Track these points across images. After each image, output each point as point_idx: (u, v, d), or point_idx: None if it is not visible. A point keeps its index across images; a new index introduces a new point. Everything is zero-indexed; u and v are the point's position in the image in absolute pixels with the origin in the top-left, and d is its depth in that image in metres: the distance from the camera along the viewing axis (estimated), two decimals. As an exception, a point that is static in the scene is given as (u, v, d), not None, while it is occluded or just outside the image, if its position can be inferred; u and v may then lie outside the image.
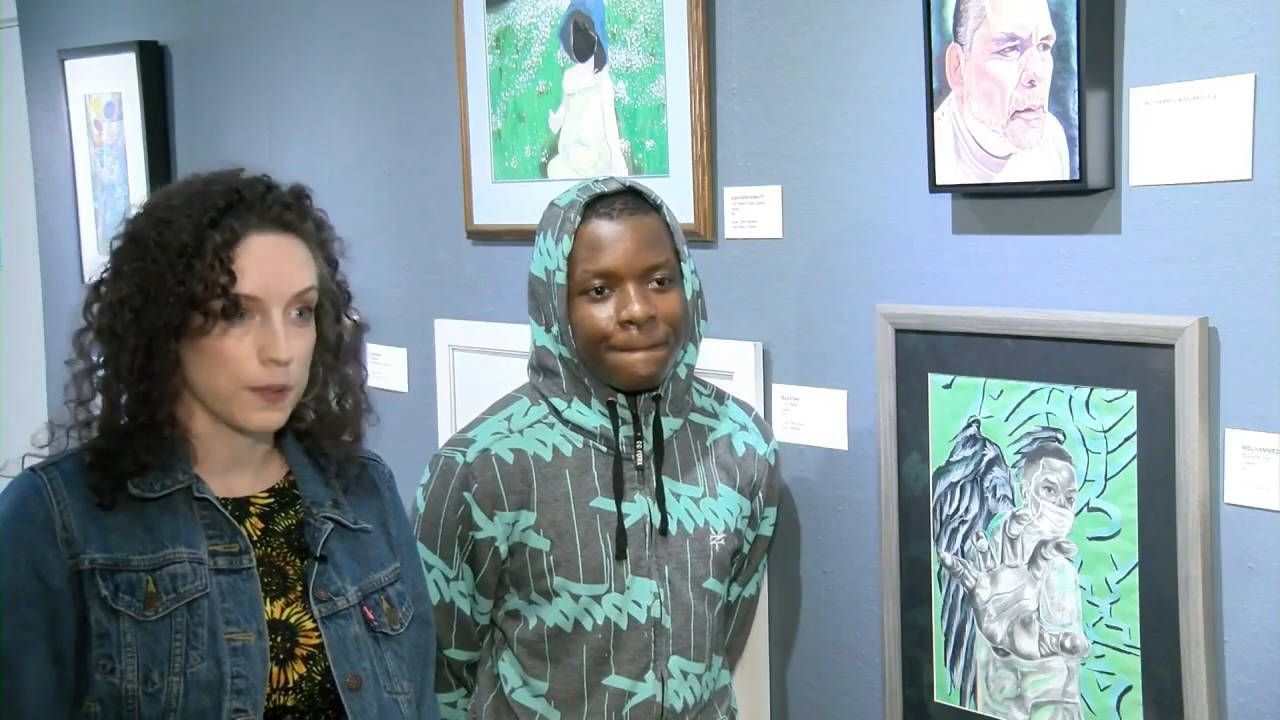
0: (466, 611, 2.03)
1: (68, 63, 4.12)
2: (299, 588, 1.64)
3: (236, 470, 1.66)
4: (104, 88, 3.98)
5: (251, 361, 1.57)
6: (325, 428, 1.71)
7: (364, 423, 1.75)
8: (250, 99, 3.50)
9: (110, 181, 4.02)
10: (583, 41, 2.54)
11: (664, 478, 2.01)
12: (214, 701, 1.53)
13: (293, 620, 1.62)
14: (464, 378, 2.89)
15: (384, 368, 3.05)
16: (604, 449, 2.00)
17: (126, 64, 3.83)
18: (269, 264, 1.59)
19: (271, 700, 1.58)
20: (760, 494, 2.13)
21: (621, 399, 1.99)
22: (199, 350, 1.58)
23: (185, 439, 1.62)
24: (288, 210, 1.63)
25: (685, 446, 2.05)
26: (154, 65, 3.80)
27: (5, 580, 1.52)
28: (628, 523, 1.98)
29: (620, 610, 1.98)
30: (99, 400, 1.62)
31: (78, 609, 1.53)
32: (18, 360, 4.69)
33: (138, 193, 3.86)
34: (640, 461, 2.00)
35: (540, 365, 2.03)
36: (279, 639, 1.60)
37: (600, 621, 1.98)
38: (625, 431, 2.00)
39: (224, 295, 1.55)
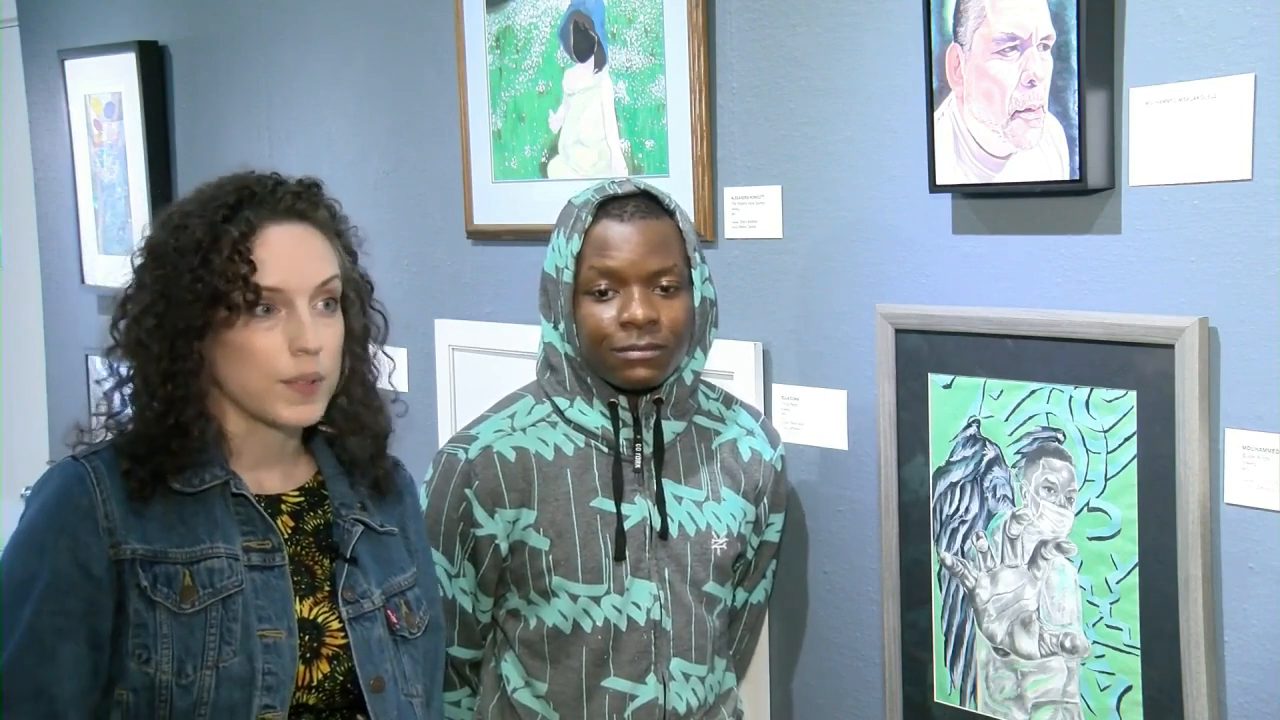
0: (469, 609, 2.03)
1: (68, 63, 4.11)
2: (326, 587, 1.65)
3: (267, 468, 1.67)
4: (104, 88, 3.97)
5: (283, 354, 1.58)
6: (353, 421, 1.71)
7: (390, 414, 1.75)
8: (250, 99, 3.50)
9: (110, 181, 4.02)
10: (583, 41, 2.54)
11: (665, 480, 2.01)
12: (245, 697, 1.55)
13: (319, 620, 1.63)
14: (464, 378, 2.89)
15: (384, 368, 3.04)
16: (605, 449, 2.00)
17: (126, 64, 3.82)
18: (289, 254, 1.60)
19: (295, 698, 1.59)
20: (766, 499, 2.12)
21: (623, 400, 1.99)
22: (227, 348, 1.58)
23: (221, 435, 1.63)
24: (299, 200, 1.64)
25: (689, 450, 2.05)
26: (154, 65, 3.80)
27: (47, 567, 1.53)
28: (627, 524, 1.98)
29: (620, 612, 1.98)
30: (128, 411, 1.62)
31: (116, 597, 1.54)
32: (18, 360, 4.68)
33: (138, 192, 3.86)
34: (639, 464, 2.00)
35: (547, 362, 2.03)
36: (306, 638, 1.61)
37: (599, 623, 1.98)
38: (626, 433, 1.99)
39: (245, 286, 1.56)
